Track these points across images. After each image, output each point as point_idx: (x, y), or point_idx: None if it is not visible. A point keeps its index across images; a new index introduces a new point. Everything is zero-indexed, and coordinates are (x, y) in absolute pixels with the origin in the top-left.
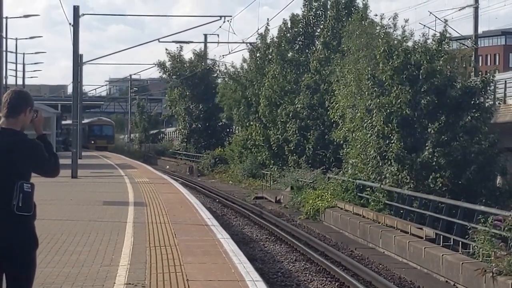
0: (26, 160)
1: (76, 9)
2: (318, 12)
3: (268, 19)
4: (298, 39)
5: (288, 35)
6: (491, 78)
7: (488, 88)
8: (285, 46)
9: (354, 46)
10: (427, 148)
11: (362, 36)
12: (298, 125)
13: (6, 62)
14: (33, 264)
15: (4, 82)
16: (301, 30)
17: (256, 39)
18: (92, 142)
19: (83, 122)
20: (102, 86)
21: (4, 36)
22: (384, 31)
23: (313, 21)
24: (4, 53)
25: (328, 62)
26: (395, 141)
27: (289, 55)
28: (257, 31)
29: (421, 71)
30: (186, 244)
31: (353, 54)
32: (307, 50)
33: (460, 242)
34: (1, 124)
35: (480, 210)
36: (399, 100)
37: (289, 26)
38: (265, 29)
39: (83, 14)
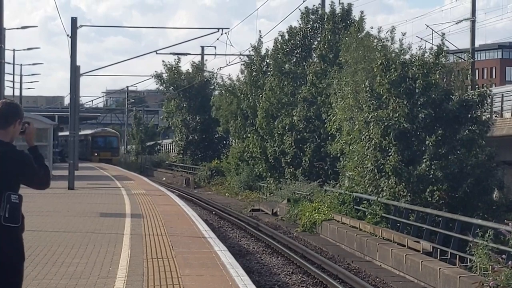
0: (13, 170)
1: (74, 20)
2: (315, 25)
3: (260, 31)
4: (296, 51)
5: (285, 47)
6: (488, 91)
7: (485, 101)
8: (282, 58)
9: (352, 58)
10: (424, 161)
11: (360, 48)
12: (294, 138)
13: (3, 73)
14: (20, 277)
15: (2, 93)
16: (298, 42)
17: (250, 51)
18: (96, 154)
19: (86, 133)
20: (99, 97)
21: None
22: (381, 44)
23: (310, 33)
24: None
25: (325, 75)
26: (392, 154)
27: (285, 67)
28: (253, 44)
29: (417, 84)
30: (184, 256)
31: (350, 67)
32: (304, 63)
33: (458, 256)
34: None
35: (477, 223)
36: (397, 114)
37: (287, 39)
38: (258, 42)
39: (81, 26)
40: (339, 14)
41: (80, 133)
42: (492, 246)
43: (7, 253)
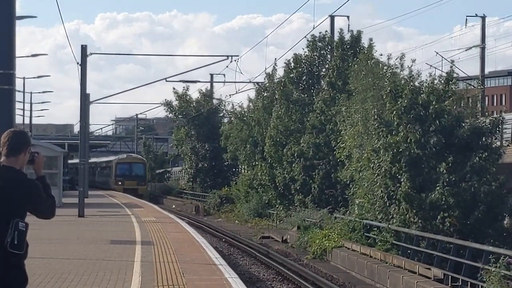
0: (22, 198)
1: (83, 48)
2: (322, 52)
3: (276, 58)
4: (303, 78)
5: (292, 75)
6: (501, 118)
7: (497, 128)
8: (289, 87)
9: (361, 86)
10: (438, 188)
11: (369, 76)
12: (303, 165)
13: (14, 100)
14: None
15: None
16: (305, 70)
17: (264, 78)
18: (120, 183)
19: (109, 159)
20: (109, 125)
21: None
22: (390, 71)
23: (318, 61)
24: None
25: (334, 102)
26: (404, 181)
27: (294, 95)
28: (264, 70)
29: (429, 111)
30: (194, 283)
31: (360, 94)
32: (311, 90)
33: (469, 283)
34: (2, 162)
35: (489, 250)
36: (408, 140)
37: (293, 67)
38: (272, 69)
39: (91, 54)
40: (348, 42)
41: (102, 159)
42: (504, 273)
43: (10, 279)
